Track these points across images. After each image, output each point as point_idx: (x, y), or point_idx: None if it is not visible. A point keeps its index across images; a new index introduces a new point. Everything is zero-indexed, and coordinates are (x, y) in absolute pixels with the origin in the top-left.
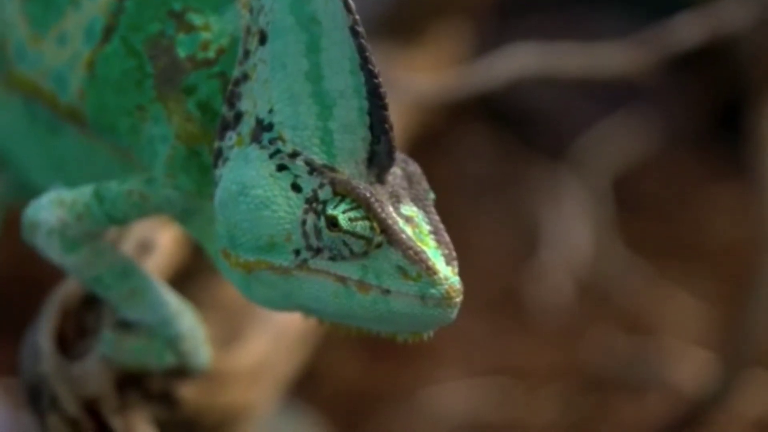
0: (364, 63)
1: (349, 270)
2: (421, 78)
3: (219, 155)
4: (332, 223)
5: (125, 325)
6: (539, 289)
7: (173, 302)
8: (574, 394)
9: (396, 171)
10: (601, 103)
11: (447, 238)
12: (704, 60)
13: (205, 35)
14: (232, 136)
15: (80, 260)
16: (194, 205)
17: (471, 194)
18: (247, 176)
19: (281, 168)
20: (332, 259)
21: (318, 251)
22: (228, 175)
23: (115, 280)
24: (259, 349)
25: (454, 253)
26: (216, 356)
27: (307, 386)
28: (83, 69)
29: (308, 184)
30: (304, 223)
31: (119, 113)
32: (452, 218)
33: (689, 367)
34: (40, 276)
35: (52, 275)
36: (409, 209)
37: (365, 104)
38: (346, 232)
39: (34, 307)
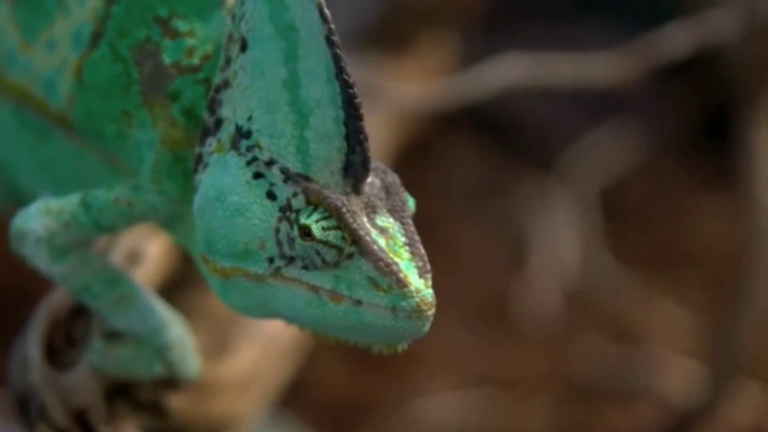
0: (339, 72)
1: (322, 280)
2: (410, 87)
3: (199, 161)
4: (305, 232)
5: (114, 335)
6: (527, 299)
7: (162, 311)
8: (563, 403)
9: (374, 181)
10: (589, 113)
11: (422, 250)
12: (692, 69)
13: (191, 41)
14: (212, 143)
15: (68, 269)
16: (179, 211)
17: (459, 204)
18: (225, 183)
19: (257, 176)
20: (305, 268)
21: (291, 260)
22: (206, 181)
23: (103, 289)
24: (248, 359)
25: (428, 266)
26: (205, 366)
27: (295, 396)
28: (71, 75)
29: (283, 192)
30: (277, 231)
31: (106, 119)
32: (441, 227)
33: (677, 375)
34: (28, 286)
35: (41, 285)
36: (385, 220)
37: (341, 114)
38: (319, 241)
39: (23, 317)
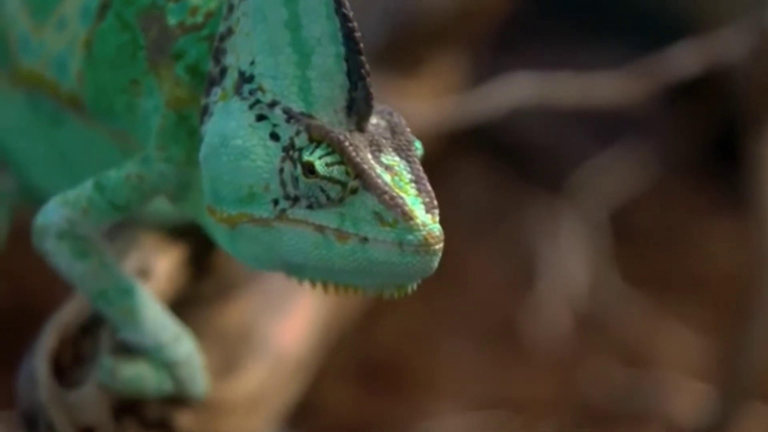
0: (339, 6)
1: (327, 219)
2: (418, 107)
3: (205, 112)
4: (309, 169)
5: (123, 351)
6: (537, 321)
7: (173, 327)
8: (572, 426)
9: (380, 122)
10: (598, 135)
11: (429, 187)
12: (700, 90)
13: (194, 1)
14: (217, 92)
15: (88, 270)
16: (187, 177)
17: (468, 226)
18: (228, 128)
19: (260, 118)
20: (310, 207)
21: (296, 200)
22: (211, 129)
23: (118, 297)
24: (256, 378)
25: (435, 202)
26: (213, 385)
27: (303, 417)
28: (81, 49)
29: (286, 132)
30: (281, 171)
31: (115, 91)
32: (449, 249)
33: (687, 399)
34: (36, 305)
35: (49, 304)
36: (390, 159)
37: (342, 50)
38: (323, 177)
39: (30, 336)
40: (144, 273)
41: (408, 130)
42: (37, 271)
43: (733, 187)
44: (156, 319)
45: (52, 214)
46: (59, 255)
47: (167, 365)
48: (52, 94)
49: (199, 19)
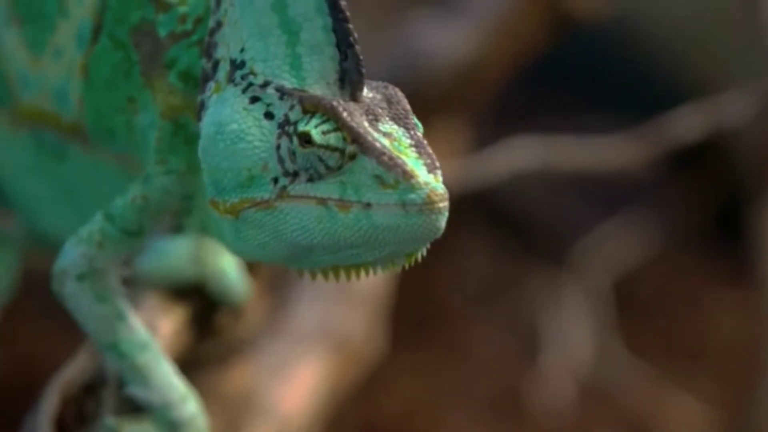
0: None
1: (328, 189)
2: None
3: (202, 108)
4: (306, 140)
5: (127, 411)
6: (541, 392)
7: (180, 386)
8: None
9: (375, 95)
10: (599, 205)
11: (430, 150)
12: (703, 159)
13: (182, 9)
14: (211, 86)
15: (107, 315)
16: (190, 187)
17: (471, 297)
18: (223, 115)
19: (254, 100)
20: (310, 180)
21: (295, 175)
22: (207, 120)
23: (130, 350)
24: None
25: (437, 164)
26: None
27: None
28: (79, 75)
29: (280, 109)
30: (278, 148)
31: (114, 112)
32: (452, 321)
33: None
34: (37, 367)
35: (50, 366)
36: (388, 127)
37: (329, 21)
38: (320, 146)
39: (32, 397)
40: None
41: (405, 101)
42: (38, 334)
43: (737, 257)
44: (166, 377)
45: (69, 254)
46: (80, 297)
47: (172, 426)
48: (55, 127)
49: (189, 26)
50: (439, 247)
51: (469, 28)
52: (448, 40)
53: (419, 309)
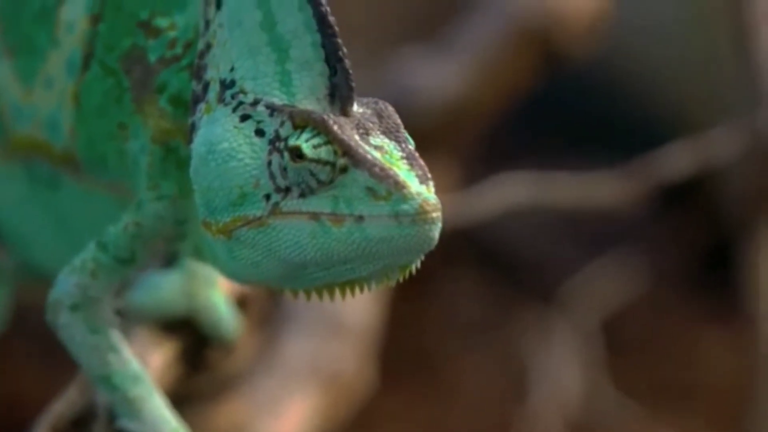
0: None
1: (321, 204)
2: None
3: (193, 130)
4: (297, 154)
5: None
6: (530, 430)
7: (172, 420)
8: None
9: (366, 111)
10: (589, 244)
11: (421, 162)
12: (692, 198)
13: (172, 34)
14: (201, 107)
15: (100, 346)
16: (182, 211)
17: (460, 337)
18: (214, 134)
19: (244, 118)
20: (302, 196)
21: (287, 191)
22: (198, 141)
23: (123, 383)
24: None
25: (429, 175)
26: None
27: None
28: (70, 104)
29: (270, 125)
30: (269, 164)
31: (105, 139)
32: (441, 361)
33: None
34: (26, 404)
35: (40, 402)
36: (379, 141)
37: (317, 37)
38: (311, 160)
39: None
40: None
41: (396, 115)
42: (26, 373)
43: (725, 295)
44: (158, 410)
45: (63, 284)
46: (73, 327)
47: None
48: (47, 157)
49: (179, 50)
50: (428, 285)
51: (459, 65)
52: (438, 78)
53: (409, 347)
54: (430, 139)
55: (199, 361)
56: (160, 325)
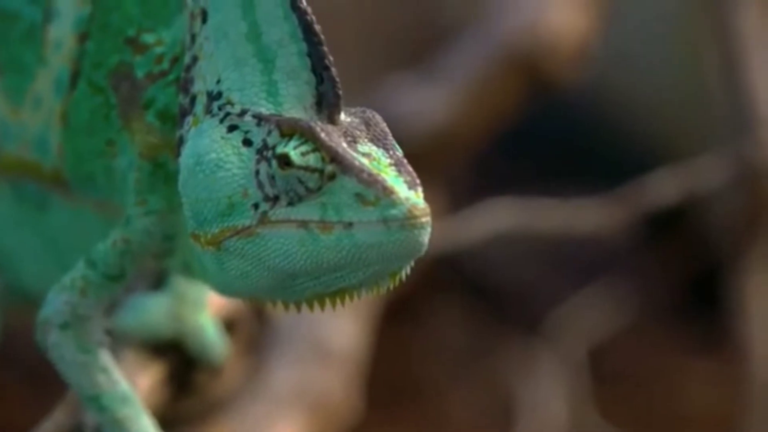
0: (294, 3)
1: (309, 211)
2: None
3: (180, 143)
4: (284, 162)
5: None
6: None
7: None
8: None
9: (353, 120)
10: (575, 274)
11: (410, 169)
12: (677, 226)
13: (159, 49)
14: (189, 120)
15: (90, 365)
16: (171, 227)
17: (445, 366)
18: (201, 146)
19: (231, 128)
20: (291, 204)
21: (275, 200)
22: (185, 153)
23: (111, 403)
24: None
25: (417, 181)
26: None
27: None
28: (58, 122)
29: (258, 135)
30: (257, 173)
31: (93, 157)
32: (426, 390)
33: None
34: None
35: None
36: (367, 148)
37: (303, 46)
38: (299, 167)
39: None
40: None
41: (383, 124)
42: (13, 401)
43: (712, 325)
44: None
45: (52, 303)
46: (63, 347)
47: None
48: (36, 176)
49: (165, 65)
50: (413, 315)
51: (446, 92)
52: (425, 104)
53: (394, 377)
54: (417, 165)
55: (187, 384)
56: (148, 347)
